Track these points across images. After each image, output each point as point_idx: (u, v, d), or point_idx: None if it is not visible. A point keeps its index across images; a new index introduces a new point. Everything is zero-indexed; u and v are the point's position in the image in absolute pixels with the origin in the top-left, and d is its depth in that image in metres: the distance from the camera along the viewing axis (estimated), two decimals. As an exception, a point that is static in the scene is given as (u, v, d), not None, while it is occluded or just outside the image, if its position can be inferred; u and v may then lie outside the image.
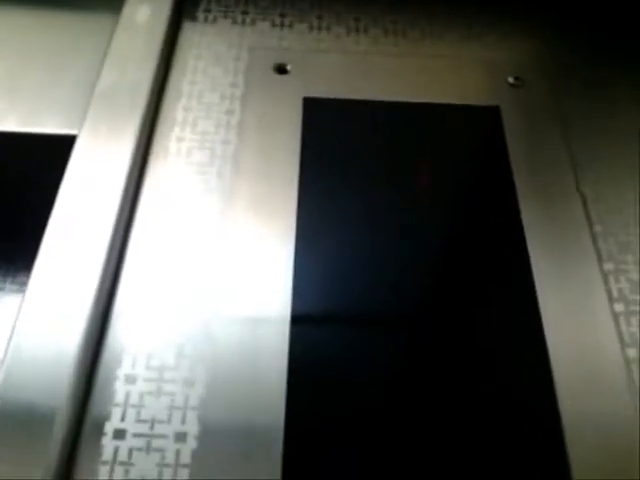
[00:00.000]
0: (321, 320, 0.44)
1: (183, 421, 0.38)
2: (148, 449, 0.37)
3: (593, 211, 0.48)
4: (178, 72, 0.54)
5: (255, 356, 0.40)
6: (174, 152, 0.49)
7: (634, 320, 0.43)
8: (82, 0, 0.59)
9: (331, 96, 0.53)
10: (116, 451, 0.37)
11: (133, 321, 0.41)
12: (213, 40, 0.57)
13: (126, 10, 0.55)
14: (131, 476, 0.36)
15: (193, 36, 0.57)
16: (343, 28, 0.59)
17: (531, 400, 0.40)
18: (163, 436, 0.37)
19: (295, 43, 0.57)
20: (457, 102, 0.54)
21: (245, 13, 0.59)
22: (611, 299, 0.44)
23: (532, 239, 0.46)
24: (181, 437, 0.37)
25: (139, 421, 0.38)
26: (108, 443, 0.37)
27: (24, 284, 0.40)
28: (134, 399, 0.38)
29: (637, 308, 0.43)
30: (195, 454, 0.37)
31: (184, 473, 0.36)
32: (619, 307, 0.43)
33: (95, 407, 0.38)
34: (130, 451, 0.37)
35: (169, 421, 0.38)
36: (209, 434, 0.37)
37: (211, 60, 0.55)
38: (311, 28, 0.59)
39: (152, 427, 0.37)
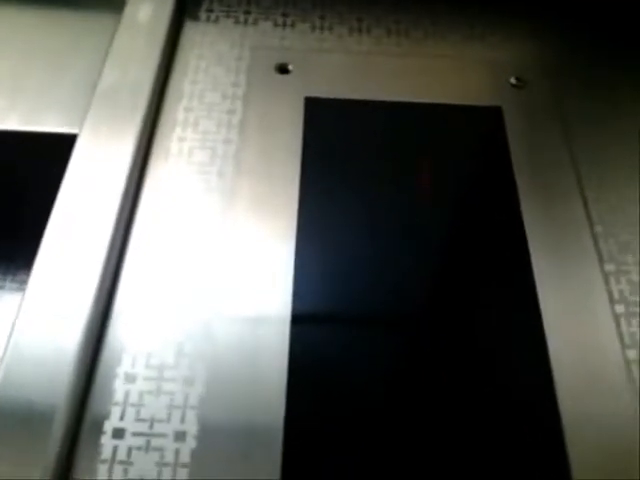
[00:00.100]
0: (321, 320, 0.44)
1: (182, 420, 0.38)
2: (147, 448, 0.37)
3: (594, 211, 0.48)
4: (180, 71, 0.54)
5: (255, 355, 0.40)
6: (175, 151, 0.49)
7: (634, 321, 0.43)
8: (84, -1, 0.59)
9: (333, 96, 0.53)
10: (115, 450, 0.37)
11: (133, 320, 0.41)
12: (215, 40, 0.57)
13: (128, 9, 0.55)
14: (130, 475, 0.36)
15: (195, 36, 0.57)
16: (345, 28, 0.59)
17: (531, 400, 0.40)
18: (162, 435, 0.37)
19: (297, 43, 0.57)
20: (459, 102, 0.54)
21: (247, 13, 0.59)
22: (612, 300, 0.44)
23: (533, 239, 0.46)
24: (180, 436, 0.37)
25: (138, 420, 0.38)
26: (107, 442, 0.37)
27: (24, 282, 0.40)
28: (133, 398, 0.38)
29: (637, 309, 0.43)
30: (194, 453, 0.37)
31: (183, 472, 0.36)
32: (620, 308, 0.43)
33: (94, 406, 0.38)
34: (129, 450, 0.37)
35: (168, 420, 0.38)
36: (208, 433, 0.37)
37: (213, 60, 0.55)
38: (313, 28, 0.59)
39: (151, 426, 0.37)
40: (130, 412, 0.38)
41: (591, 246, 0.46)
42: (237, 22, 0.59)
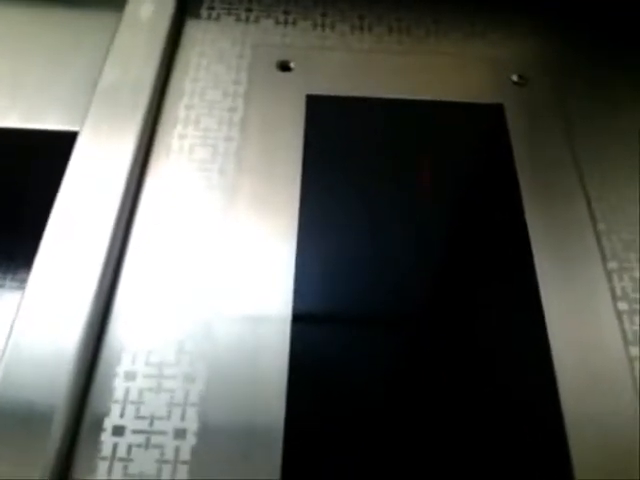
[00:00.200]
0: (322, 319, 0.43)
1: (183, 418, 0.38)
2: (147, 445, 0.37)
3: (597, 209, 0.48)
4: (181, 69, 0.54)
5: (255, 354, 0.40)
6: (176, 149, 0.49)
7: (637, 319, 0.43)
8: (85, -3, 0.59)
9: (334, 94, 0.53)
10: (115, 447, 0.36)
11: (133, 317, 0.41)
12: (216, 37, 0.57)
13: (129, 7, 0.55)
14: (130, 472, 0.36)
15: (196, 33, 0.57)
16: (347, 26, 0.59)
17: (534, 399, 0.40)
18: (162, 432, 0.37)
19: (299, 40, 0.57)
20: (461, 100, 0.53)
21: (249, 10, 0.59)
22: (614, 297, 0.43)
23: (535, 237, 0.46)
24: (180, 434, 0.37)
25: (138, 417, 0.38)
26: (107, 439, 0.37)
27: (24, 281, 0.40)
28: (133, 395, 0.38)
29: (640, 306, 0.43)
30: (194, 451, 0.37)
31: (183, 469, 0.36)
32: (622, 305, 0.43)
33: (94, 404, 0.38)
34: (129, 447, 0.37)
35: (168, 417, 0.38)
36: (208, 431, 0.37)
37: (214, 57, 0.55)
38: (315, 26, 0.59)
39: (151, 423, 0.37)
40: (130, 409, 0.38)
41: (594, 244, 0.46)
42: (238, 20, 0.58)
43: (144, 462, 0.36)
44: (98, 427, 0.37)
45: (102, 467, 0.36)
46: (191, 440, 0.37)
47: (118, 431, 0.37)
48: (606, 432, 0.38)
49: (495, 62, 0.56)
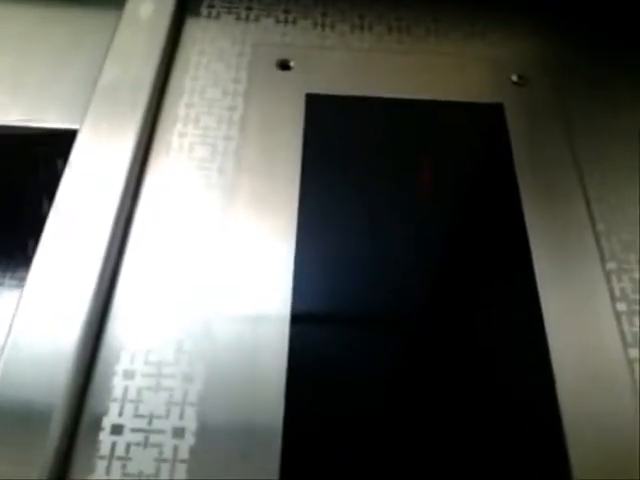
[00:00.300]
0: (321, 318, 0.43)
1: (181, 417, 0.38)
2: (146, 444, 0.37)
3: (596, 210, 0.48)
4: (181, 68, 0.54)
5: (255, 354, 0.40)
6: (176, 148, 0.49)
7: (636, 320, 0.43)
8: (85, -5, 0.59)
9: (334, 93, 0.53)
10: (114, 446, 0.36)
11: (132, 316, 0.41)
12: (216, 36, 0.57)
13: (129, 5, 0.55)
14: (129, 471, 0.36)
15: (196, 32, 0.57)
16: (347, 25, 0.59)
17: (532, 400, 0.40)
18: (161, 431, 0.37)
19: (299, 39, 0.57)
20: (460, 99, 0.53)
21: (249, 9, 0.59)
22: (613, 298, 0.43)
23: (534, 237, 0.46)
24: (179, 433, 0.37)
25: (137, 416, 0.38)
26: (106, 438, 0.37)
27: (23, 279, 0.40)
28: (132, 394, 0.38)
29: (639, 308, 0.43)
30: (193, 450, 0.37)
31: (182, 469, 0.36)
32: (621, 306, 0.43)
33: (93, 402, 0.38)
34: (128, 446, 0.37)
35: (167, 416, 0.38)
36: (207, 430, 0.37)
37: (214, 56, 0.55)
38: (315, 25, 0.59)
39: (150, 422, 0.37)
40: (129, 408, 0.38)
41: (593, 244, 0.46)
42: (238, 18, 0.58)
43: (143, 461, 0.36)
44: (97, 426, 0.37)
45: (100, 466, 0.36)
46: (190, 439, 0.37)
47: (117, 430, 0.37)
48: (605, 434, 0.38)
49: (495, 62, 0.56)
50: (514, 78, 0.55)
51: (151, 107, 0.50)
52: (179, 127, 0.50)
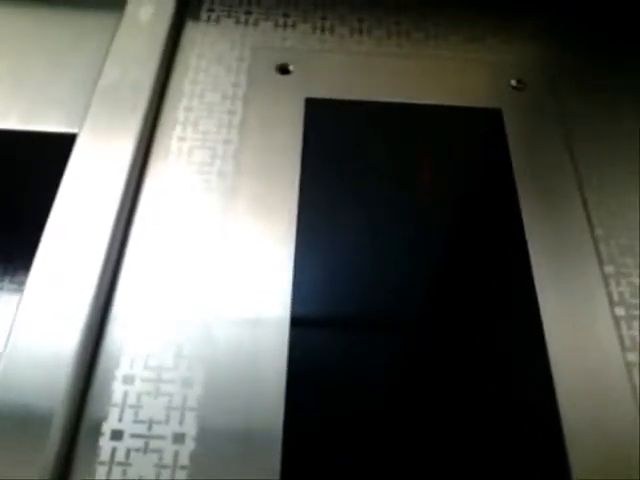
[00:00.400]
0: (321, 322, 0.43)
1: (181, 422, 0.38)
2: (146, 450, 0.37)
3: (594, 214, 0.48)
4: (180, 71, 0.54)
5: (254, 358, 0.40)
6: (175, 151, 0.49)
7: (635, 324, 0.43)
8: (85, -2, 0.59)
9: (333, 97, 0.53)
10: (114, 452, 0.36)
11: (132, 321, 0.41)
12: (216, 40, 0.57)
13: (129, 9, 0.55)
14: (129, 477, 0.36)
15: (196, 35, 0.57)
16: (347, 29, 0.59)
17: (532, 403, 0.40)
18: (161, 437, 0.37)
19: (298, 43, 0.57)
20: (459, 104, 0.54)
21: (248, 13, 0.59)
22: (612, 303, 0.44)
23: (533, 242, 0.46)
24: (179, 438, 0.37)
25: (137, 422, 0.37)
26: (105, 444, 0.37)
27: (22, 283, 0.40)
28: (132, 399, 0.38)
29: (638, 312, 0.43)
30: (193, 455, 0.37)
31: (182, 474, 0.36)
32: (620, 311, 0.43)
33: (93, 407, 0.38)
34: (128, 452, 0.36)
35: (167, 422, 0.38)
36: (207, 435, 0.37)
37: (213, 60, 0.55)
38: (314, 29, 0.59)
39: (150, 428, 0.37)
40: (128, 414, 0.38)
41: (591, 249, 0.46)
42: (238, 22, 0.58)
43: (143, 467, 0.36)
44: (96, 431, 0.37)
45: (101, 472, 0.36)
46: (190, 445, 0.37)
47: (116, 435, 0.37)
48: (604, 436, 0.38)
49: (494, 66, 0.56)
50: (513, 83, 0.55)
51: (150, 110, 0.50)
52: (178, 131, 0.50)
